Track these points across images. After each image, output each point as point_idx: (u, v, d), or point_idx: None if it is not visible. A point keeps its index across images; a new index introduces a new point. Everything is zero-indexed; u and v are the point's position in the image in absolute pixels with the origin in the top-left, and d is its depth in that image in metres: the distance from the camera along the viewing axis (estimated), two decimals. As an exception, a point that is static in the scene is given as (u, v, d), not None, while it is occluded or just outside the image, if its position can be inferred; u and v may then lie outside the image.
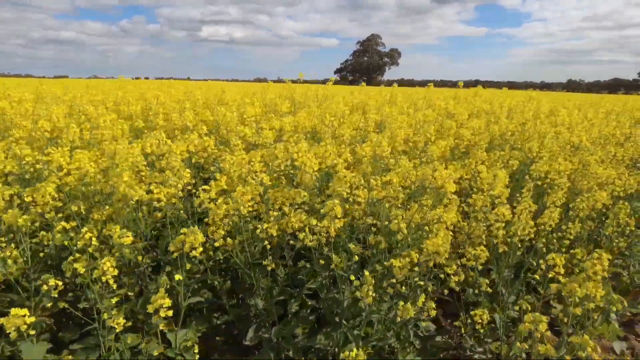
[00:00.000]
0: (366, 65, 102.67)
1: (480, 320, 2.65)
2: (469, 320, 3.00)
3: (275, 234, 2.45)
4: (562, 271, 2.22)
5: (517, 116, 5.04)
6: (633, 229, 3.50)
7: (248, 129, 3.78)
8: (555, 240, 3.56)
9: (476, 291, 3.28)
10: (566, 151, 4.67)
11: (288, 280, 3.03)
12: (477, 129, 4.37)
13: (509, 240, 3.06)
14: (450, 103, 5.43)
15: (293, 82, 6.23)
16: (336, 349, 2.45)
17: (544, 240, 3.38)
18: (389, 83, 7.80)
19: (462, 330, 3.08)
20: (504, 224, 2.89)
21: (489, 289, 3.00)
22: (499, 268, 3.27)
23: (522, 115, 4.91)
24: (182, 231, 1.97)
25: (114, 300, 2.18)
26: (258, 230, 2.44)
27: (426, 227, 2.52)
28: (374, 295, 2.24)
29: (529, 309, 2.47)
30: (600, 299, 2.03)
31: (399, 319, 2.19)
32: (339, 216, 2.27)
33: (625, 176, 4.14)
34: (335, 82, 8.23)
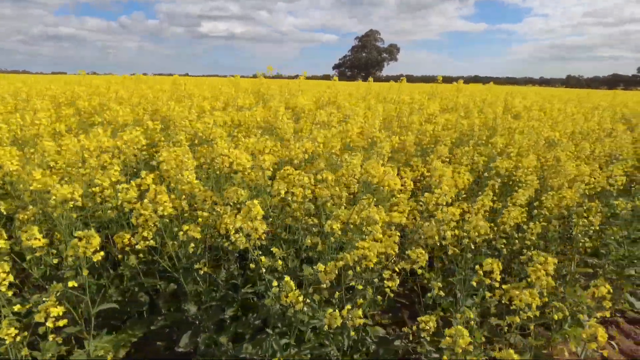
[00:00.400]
0: (364, 60, 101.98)
1: (427, 327, 2.49)
2: (414, 327, 2.85)
3: (198, 237, 2.29)
4: (499, 277, 2.06)
5: (487, 109, 4.84)
6: (597, 228, 3.34)
7: (200, 124, 3.61)
8: (517, 241, 3.39)
9: (429, 294, 3.14)
10: (539, 147, 4.49)
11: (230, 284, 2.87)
12: (445, 124, 4.19)
13: (465, 241, 2.90)
14: (416, 98, 5.25)
15: (265, 77, 6.09)
16: (265, 356, 2.30)
17: (504, 241, 3.23)
18: (369, 79, 7.64)
19: (410, 337, 2.93)
20: (453, 224, 2.72)
21: (441, 293, 2.86)
22: (458, 270, 3.13)
23: (493, 109, 4.72)
24: (76, 234, 1.81)
25: (16, 308, 2.02)
26: (181, 233, 2.28)
27: (364, 228, 2.35)
28: (304, 301, 2.09)
29: (471, 316, 2.31)
30: (535, 308, 1.87)
31: (325, 328, 2.04)
32: (258, 217, 2.10)
33: (597, 172, 3.97)
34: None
